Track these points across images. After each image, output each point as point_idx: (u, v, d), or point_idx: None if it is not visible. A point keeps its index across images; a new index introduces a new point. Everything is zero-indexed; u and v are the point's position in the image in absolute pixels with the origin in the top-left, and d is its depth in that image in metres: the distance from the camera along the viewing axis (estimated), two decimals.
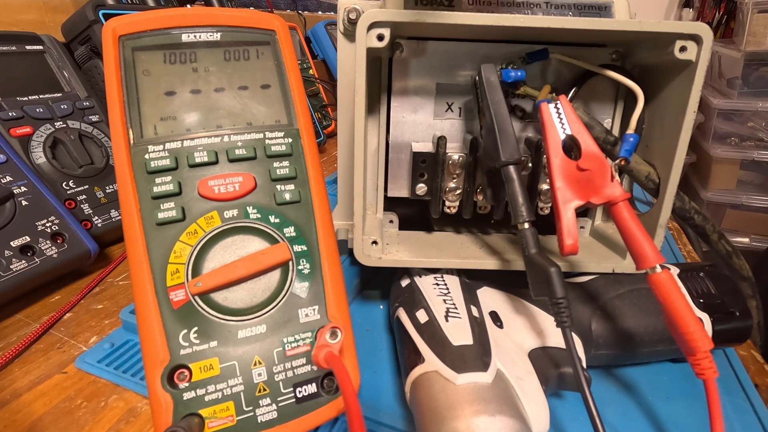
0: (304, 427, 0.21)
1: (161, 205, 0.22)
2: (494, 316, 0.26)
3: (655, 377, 0.28)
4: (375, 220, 0.31)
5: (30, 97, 0.42)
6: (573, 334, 0.25)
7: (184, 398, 0.20)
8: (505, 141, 0.24)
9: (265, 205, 0.23)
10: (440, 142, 0.28)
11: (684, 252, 0.45)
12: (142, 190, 0.22)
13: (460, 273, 0.29)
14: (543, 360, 0.25)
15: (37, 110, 0.41)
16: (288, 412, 0.21)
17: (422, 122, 0.30)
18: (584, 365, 0.24)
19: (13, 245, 0.34)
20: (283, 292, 0.22)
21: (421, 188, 0.30)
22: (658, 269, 0.22)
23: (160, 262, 0.21)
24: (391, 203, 0.32)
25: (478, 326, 0.24)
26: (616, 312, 0.27)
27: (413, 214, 0.33)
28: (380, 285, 0.37)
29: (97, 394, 0.27)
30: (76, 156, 0.41)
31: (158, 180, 0.22)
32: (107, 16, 0.47)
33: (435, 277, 0.28)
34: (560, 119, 0.25)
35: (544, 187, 0.30)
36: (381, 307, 0.34)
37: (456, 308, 0.25)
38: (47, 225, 0.36)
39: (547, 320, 0.26)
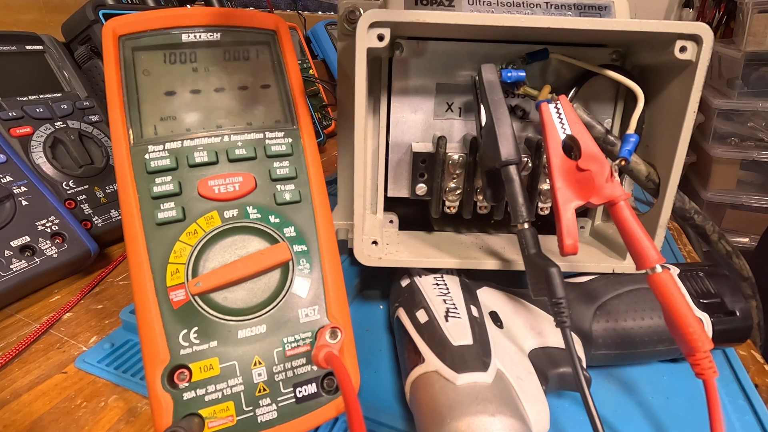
0: (304, 427, 0.21)
1: (161, 205, 0.22)
2: (494, 316, 0.26)
3: (655, 377, 0.28)
4: (375, 220, 0.31)
5: (30, 97, 0.42)
6: (573, 334, 0.26)
7: (184, 398, 0.20)
8: (505, 141, 0.24)
9: (265, 205, 0.23)
10: (440, 142, 0.28)
11: (684, 252, 0.45)
12: (142, 190, 0.22)
13: (460, 273, 0.29)
14: (543, 360, 0.25)
15: (37, 110, 0.41)
16: (288, 412, 0.21)
17: (422, 122, 0.30)
18: (584, 365, 0.24)
19: (13, 245, 0.34)
20: (283, 292, 0.22)
21: (421, 188, 0.30)
22: (658, 269, 0.22)
23: (160, 262, 0.21)
24: (391, 203, 0.32)
25: (478, 326, 0.24)
26: (616, 312, 0.27)
27: (413, 214, 0.33)
28: (380, 285, 0.37)
29: (97, 394, 0.27)
30: (76, 156, 0.41)
31: (158, 180, 0.22)
32: (107, 16, 0.46)
33: (435, 277, 0.28)
34: (560, 119, 0.25)
35: (544, 187, 0.30)
36: (381, 307, 0.34)
37: (456, 308, 0.25)
38: (47, 225, 0.36)
39: (547, 320, 0.26)
